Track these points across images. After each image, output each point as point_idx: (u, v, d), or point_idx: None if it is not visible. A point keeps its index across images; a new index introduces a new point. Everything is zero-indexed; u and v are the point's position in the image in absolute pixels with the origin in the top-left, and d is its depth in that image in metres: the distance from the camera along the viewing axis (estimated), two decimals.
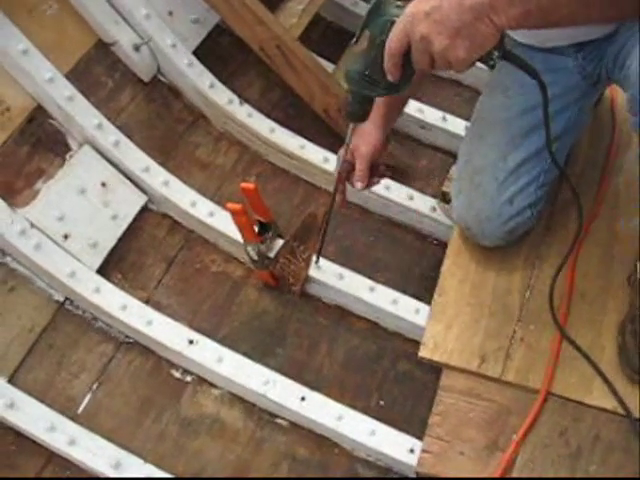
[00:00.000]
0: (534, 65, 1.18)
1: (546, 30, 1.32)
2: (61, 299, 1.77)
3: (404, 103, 1.72)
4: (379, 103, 1.51)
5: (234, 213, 1.73)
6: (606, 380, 1.45)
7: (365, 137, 1.56)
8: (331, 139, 2.12)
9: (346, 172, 1.57)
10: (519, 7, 0.96)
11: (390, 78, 1.11)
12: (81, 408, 1.67)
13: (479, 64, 1.07)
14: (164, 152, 2.00)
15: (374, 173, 1.59)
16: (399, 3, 1.09)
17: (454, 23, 0.97)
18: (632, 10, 1.02)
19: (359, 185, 1.55)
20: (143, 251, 1.91)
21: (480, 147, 1.60)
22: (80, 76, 1.91)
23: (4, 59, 1.75)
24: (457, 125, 2.17)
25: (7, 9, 1.77)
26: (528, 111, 1.51)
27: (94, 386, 1.71)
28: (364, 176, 1.55)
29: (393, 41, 1.05)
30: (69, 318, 1.77)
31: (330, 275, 1.85)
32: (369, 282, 1.84)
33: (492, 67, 1.07)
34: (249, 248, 1.81)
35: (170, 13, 2.09)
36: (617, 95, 1.91)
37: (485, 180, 1.56)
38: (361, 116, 1.33)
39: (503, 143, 1.55)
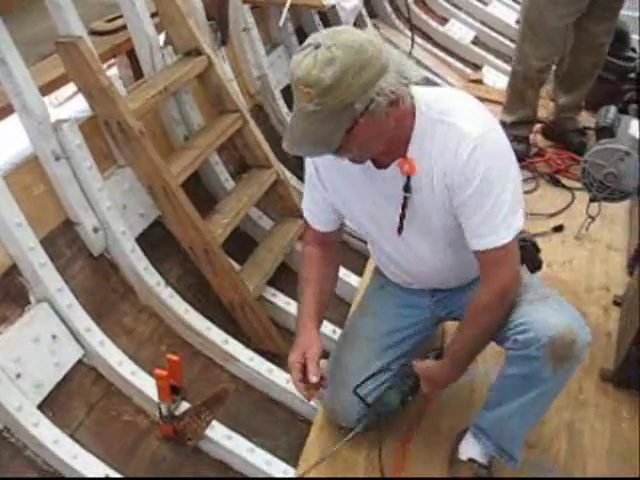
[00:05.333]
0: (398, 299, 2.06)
1: (409, 276, 2.07)
2: (0, 427, 2.10)
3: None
4: (311, 321, 1.97)
5: (159, 378, 2.21)
6: None
7: (310, 344, 1.92)
8: (230, 325, 2.69)
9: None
10: None
11: None
12: None
13: None
14: (99, 315, 2.44)
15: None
16: None
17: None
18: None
19: (314, 379, 1.85)
20: (71, 396, 2.29)
21: (350, 355, 2.18)
22: (48, 245, 2.34)
23: (1, 227, 2.18)
24: (326, 327, 2.77)
25: (11, 185, 2.22)
26: (389, 334, 2.15)
27: None
28: (316, 371, 1.86)
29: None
30: (4, 444, 2.10)
31: (221, 436, 2.33)
32: (250, 444, 2.33)
33: None
34: (162, 406, 2.27)
35: (124, 207, 2.62)
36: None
37: (351, 379, 2.14)
38: None
39: (368, 354, 2.15)
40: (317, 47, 1.47)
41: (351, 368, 2.15)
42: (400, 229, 1.85)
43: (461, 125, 1.64)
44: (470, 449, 2.02)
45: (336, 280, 2.14)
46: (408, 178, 1.72)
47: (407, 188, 1.74)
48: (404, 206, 1.79)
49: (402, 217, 1.82)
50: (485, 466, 2.01)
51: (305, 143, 1.56)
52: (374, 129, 1.57)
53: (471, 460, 2.00)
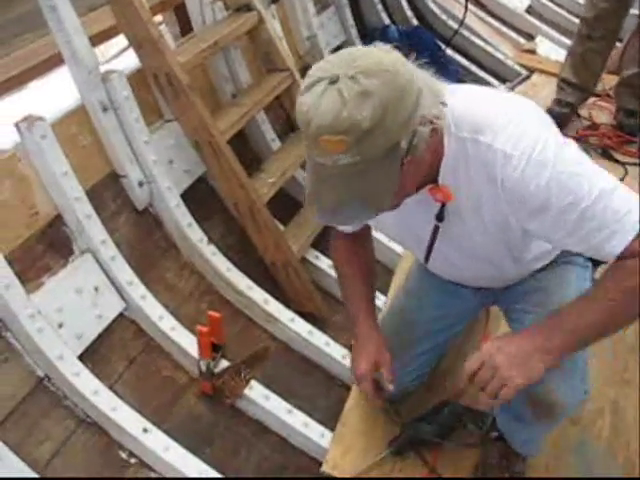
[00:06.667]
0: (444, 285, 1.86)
1: (456, 274, 1.86)
2: (41, 375, 2.11)
3: None
4: (369, 324, 1.80)
5: (201, 334, 2.20)
6: None
7: (380, 351, 1.77)
8: (271, 285, 2.67)
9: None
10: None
11: None
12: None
13: None
14: (142, 269, 2.43)
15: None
16: None
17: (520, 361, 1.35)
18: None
19: (391, 387, 1.71)
20: (112, 348, 2.30)
21: (396, 337, 1.99)
22: (93, 196, 2.32)
23: (48, 176, 2.17)
24: None
25: (58, 134, 2.20)
26: (433, 320, 1.98)
27: (54, 454, 2.03)
28: (393, 378, 1.73)
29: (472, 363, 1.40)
30: (44, 393, 2.10)
31: (259, 395, 2.32)
32: (288, 405, 2.32)
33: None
34: (202, 362, 2.27)
35: (170, 162, 2.60)
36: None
37: (396, 354, 1.95)
38: None
39: (411, 338, 2.00)
40: (334, 81, 1.16)
41: (397, 349, 1.97)
42: (427, 258, 1.67)
43: (498, 145, 1.33)
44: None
45: (374, 261, 1.96)
46: (442, 206, 1.47)
47: (440, 217, 1.49)
48: (433, 236, 1.57)
49: (430, 247, 1.61)
50: None
51: (348, 208, 1.26)
52: (416, 168, 1.31)
53: (501, 438, 1.93)
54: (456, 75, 4.28)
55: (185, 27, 3.15)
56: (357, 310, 1.81)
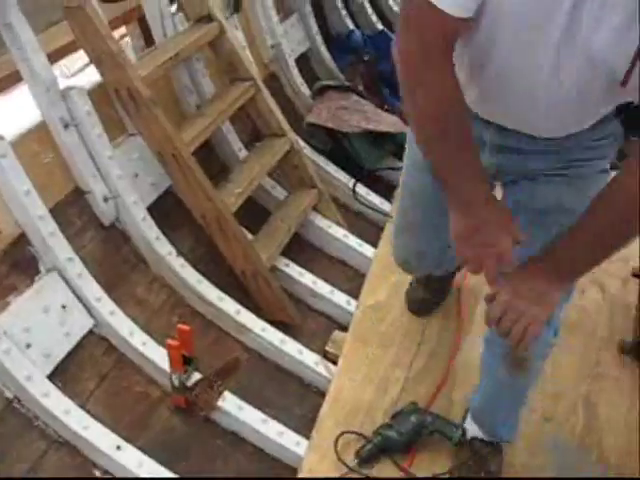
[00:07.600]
0: None
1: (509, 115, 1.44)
2: (10, 397, 2.09)
3: None
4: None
5: (171, 348, 2.19)
6: None
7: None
8: (240, 294, 2.67)
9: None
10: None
11: None
12: None
13: None
14: (110, 285, 2.42)
15: None
16: None
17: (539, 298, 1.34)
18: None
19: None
20: (82, 366, 2.28)
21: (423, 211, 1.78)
22: (58, 214, 2.31)
23: (10, 195, 2.15)
24: (341, 298, 2.79)
25: (19, 153, 2.18)
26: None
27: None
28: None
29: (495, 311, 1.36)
30: (14, 414, 2.09)
31: (233, 406, 2.31)
32: (262, 415, 2.31)
33: None
34: (174, 376, 2.25)
35: (136, 175, 2.58)
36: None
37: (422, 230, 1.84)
38: None
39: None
40: None
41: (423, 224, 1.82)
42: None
43: None
44: (471, 429, 1.96)
45: None
46: None
47: None
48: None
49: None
50: (489, 442, 1.95)
51: None
52: None
53: (474, 439, 1.94)
54: None
55: (150, 39, 3.14)
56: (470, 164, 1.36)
